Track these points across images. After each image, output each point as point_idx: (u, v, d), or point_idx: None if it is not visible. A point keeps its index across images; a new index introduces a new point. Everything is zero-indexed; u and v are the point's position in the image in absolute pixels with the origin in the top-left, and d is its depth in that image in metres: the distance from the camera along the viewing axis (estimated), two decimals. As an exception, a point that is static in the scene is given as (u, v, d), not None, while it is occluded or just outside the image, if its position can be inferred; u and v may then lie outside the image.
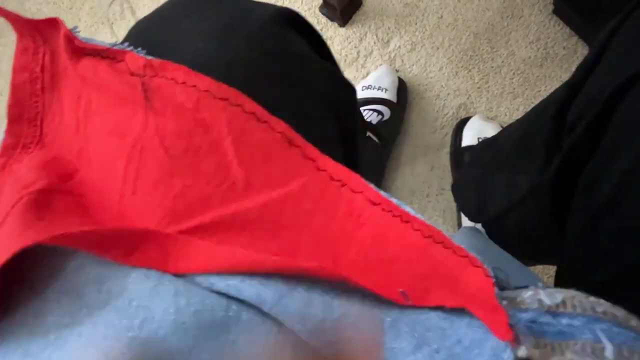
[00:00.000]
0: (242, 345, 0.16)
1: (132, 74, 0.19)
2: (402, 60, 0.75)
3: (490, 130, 0.67)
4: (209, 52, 0.21)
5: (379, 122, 0.69)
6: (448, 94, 0.72)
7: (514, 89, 0.70)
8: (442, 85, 0.73)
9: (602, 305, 0.14)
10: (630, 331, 0.13)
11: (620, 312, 0.13)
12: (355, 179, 0.18)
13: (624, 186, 0.21)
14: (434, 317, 0.16)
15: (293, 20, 0.26)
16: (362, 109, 0.70)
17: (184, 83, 0.18)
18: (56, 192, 0.19)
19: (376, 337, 0.16)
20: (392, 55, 0.75)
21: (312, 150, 0.19)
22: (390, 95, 0.71)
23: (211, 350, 0.16)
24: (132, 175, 0.18)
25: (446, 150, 0.71)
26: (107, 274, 0.17)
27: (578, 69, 0.27)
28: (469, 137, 0.68)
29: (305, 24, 0.27)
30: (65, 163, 0.20)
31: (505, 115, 0.70)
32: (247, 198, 0.18)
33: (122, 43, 0.21)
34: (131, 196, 0.18)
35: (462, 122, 0.70)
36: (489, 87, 0.71)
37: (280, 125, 0.18)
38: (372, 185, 0.18)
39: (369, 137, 0.67)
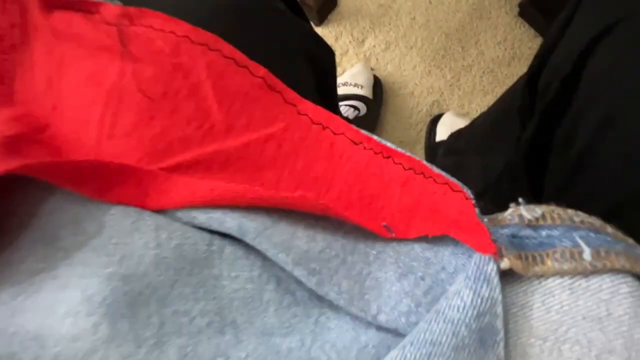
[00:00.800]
0: (225, 280, 0.16)
1: (108, 24, 0.19)
2: (377, 59, 0.76)
3: (462, 126, 0.70)
4: (191, 2, 0.21)
5: (356, 117, 0.70)
6: (422, 91, 0.74)
7: (484, 86, 0.73)
8: (415, 83, 0.74)
9: (579, 215, 0.14)
10: (606, 235, 0.14)
11: (597, 221, 0.14)
12: (336, 121, 0.18)
13: (600, 135, 0.22)
14: (417, 248, 0.16)
15: None
16: (339, 104, 0.71)
17: (161, 30, 0.18)
18: (27, 140, 0.18)
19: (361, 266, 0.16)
20: (367, 54, 0.77)
21: (293, 95, 0.19)
22: (366, 91, 0.72)
23: (194, 284, 0.15)
24: (109, 120, 0.18)
25: (421, 146, 0.72)
26: (83, 215, 0.16)
27: (546, 38, 0.29)
28: (443, 133, 0.70)
29: None
30: (36, 118, 0.20)
31: (476, 111, 0.72)
32: (228, 139, 0.18)
33: None
34: (107, 140, 0.18)
35: (436, 119, 0.72)
36: (460, 84, 0.73)
37: (260, 70, 0.18)
38: (352, 126, 0.18)
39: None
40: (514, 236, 0.14)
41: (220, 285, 0.16)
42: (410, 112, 0.74)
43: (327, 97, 0.27)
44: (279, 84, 0.19)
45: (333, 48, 0.77)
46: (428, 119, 0.72)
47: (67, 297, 0.15)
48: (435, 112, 0.73)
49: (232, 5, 0.23)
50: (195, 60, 0.18)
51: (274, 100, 0.18)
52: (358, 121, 0.70)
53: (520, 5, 0.73)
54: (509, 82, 0.73)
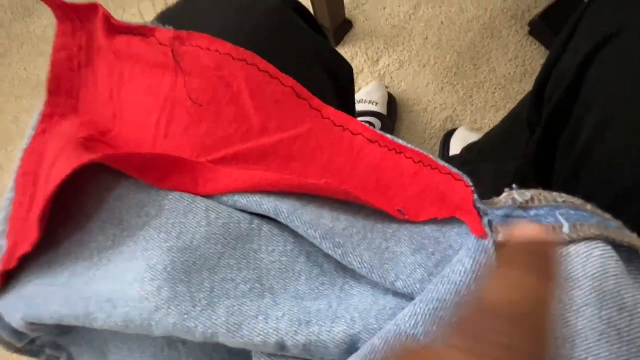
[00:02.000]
0: (263, 254, 0.18)
1: (162, 45, 0.22)
2: (392, 77, 0.79)
3: (475, 140, 0.71)
4: (233, 25, 0.24)
5: (371, 132, 0.73)
6: (435, 107, 0.76)
7: (497, 102, 0.75)
8: (429, 100, 0.77)
9: (562, 197, 0.17)
10: (584, 212, 0.16)
11: (577, 201, 0.16)
12: (355, 123, 0.21)
13: (597, 135, 0.24)
14: (428, 229, 0.18)
15: (297, 6, 0.30)
16: (354, 120, 0.74)
17: (207, 49, 0.21)
18: (95, 140, 0.21)
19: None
20: (382, 72, 0.80)
21: (317, 102, 0.21)
22: (380, 108, 0.75)
23: (237, 257, 0.18)
24: (164, 123, 0.21)
25: (435, 160, 0.74)
26: (146, 201, 0.19)
27: (550, 53, 0.31)
28: (456, 147, 0.72)
29: (306, 12, 0.31)
30: (99, 124, 0.23)
31: (489, 126, 0.74)
32: (263, 138, 0.20)
33: (154, 21, 0.24)
34: (164, 139, 0.21)
35: (449, 134, 0.74)
36: (473, 101, 0.75)
37: (289, 80, 0.21)
38: (368, 126, 0.21)
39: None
40: (507, 216, 0.16)
41: (259, 258, 0.18)
42: (424, 128, 0.76)
43: (347, 106, 0.30)
44: (306, 93, 0.21)
45: (349, 67, 0.81)
46: (442, 134, 0.74)
47: (133, 267, 0.17)
48: (449, 127, 0.75)
49: (264, 26, 0.26)
50: (235, 73, 0.21)
51: (301, 106, 0.21)
52: (373, 136, 0.73)
53: (531, 25, 0.76)
54: (521, 98, 0.74)
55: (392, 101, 0.76)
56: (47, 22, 0.96)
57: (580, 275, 0.15)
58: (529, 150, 0.32)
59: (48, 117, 0.23)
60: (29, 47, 0.95)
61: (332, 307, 0.17)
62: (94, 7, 0.24)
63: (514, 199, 0.17)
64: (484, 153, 0.48)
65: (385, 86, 0.79)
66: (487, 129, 0.74)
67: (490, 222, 0.16)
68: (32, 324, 0.18)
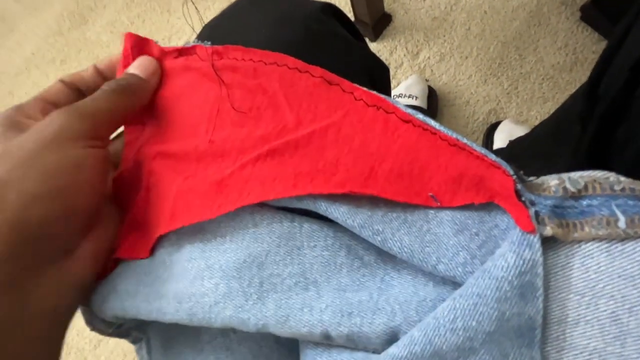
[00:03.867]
0: (306, 249, 0.19)
1: (202, 60, 0.24)
2: (432, 70, 0.78)
3: (521, 134, 0.68)
4: (271, 36, 0.25)
5: (410, 127, 0.72)
6: (477, 100, 0.74)
7: (544, 93, 0.71)
8: (471, 93, 0.75)
9: (621, 183, 0.15)
10: None
11: (638, 186, 0.15)
12: (387, 102, 0.20)
13: None
14: (471, 207, 0.18)
15: (336, 12, 0.31)
16: (393, 115, 0.73)
17: (242, 59, 0.22)
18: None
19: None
20: (422, 66, 0.78)
21: (349, 85, 0.21)
22: (420, 102, 0.74)
23: (282, 254, 0.19)
24: (211, 131, 0.22)
25: (477, 154, 0.72)
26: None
27: (607, 46, 0.29)
28: (500, 140, 0.70)
29: (345, 17, 0.32)
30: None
31: (536, 118, 0.71)
32: (297, 132, 0.21)
33: (194, 40, 0.25)
34: (208, 144, 0.22)
35: (493, 127, 0.71)
36: (518, 92, 0.73)
37: (318, 70, 0.22)
38: (400, 106, 0.20)
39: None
40: (556, 206, 0.15)
41: (302, 253, 0.19)
42: (466, 121, 0.74)
43: None
44: (336, 78, 0.22)
45: (388, 62, 0.80)
46: (485, 128, 0.72)
47: (193, 267, 0.20)
48: (492, 120, 0.73)
49: (304, 36, 0.27)
50: (270, 77, 0.22)
51: (334, 92, 0.21)
52: (413, 131, 0.72)
53: (582, 10, 0.72)
54: (571, 88, 0.71)
55: (432, 95, 0.75)
56: (100, 29, 1.02)
57: (637, 274, 0.14)
58: (581, 147, 0.31)
59: (134, 141, 0.25)
60: (85, 53, 1.02)
61: (373, 298, 0.17)
62: (147, 41, 0.26)
63: (565, 188, 0.16)
64: (532, 149, 0.46)
65: (426, 79, 0.77)
66: (533, 122, 0.71)
67: (537, 213, 0.15)
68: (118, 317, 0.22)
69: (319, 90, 0.22)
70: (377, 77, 0.31)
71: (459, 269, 0.16)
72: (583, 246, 0.15)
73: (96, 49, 1.01)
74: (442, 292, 0.17)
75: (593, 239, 0.15)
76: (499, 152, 0.68)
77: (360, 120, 0.20)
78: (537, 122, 0.71)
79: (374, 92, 0.20)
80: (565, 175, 0.16)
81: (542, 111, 0.71)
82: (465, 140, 0.18)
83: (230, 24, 0.29)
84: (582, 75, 0.70)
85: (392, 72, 0.80)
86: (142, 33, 1.00)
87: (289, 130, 0.21)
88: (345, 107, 0.21)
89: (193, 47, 0.24)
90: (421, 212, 0.18)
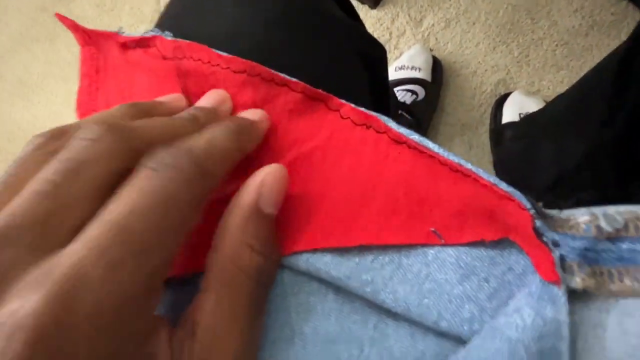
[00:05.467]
0: (289, 296, 0.16)
1: (164, 58, 0.20)
2: (436, 39, 0.73)
3: (532, 105, 0.64)
4: (247, 16, 0.21)
5: (413, 102, 0.68)
6: (486, 70, 0.70)
7: (557, 61, 0.67)
8: (479, 62, 0.70)
9: None
10: None
11: None
12: (378, 121, 0.17)
13: None
14: (480, 246, 0.15)
15: None
16: (395, 89, 0.69)
17: (209, 62, 0.19)
18: None
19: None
20: (426, 34, 0.73)
21: (335, 101, 0.18)
22: (424, 74, 0.69)
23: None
24: None
25: (485, 129, 0.68)
26: None
27: None
28: (510, 114, 0.66)
29: None
30: None
31: (548, 89, 0.67)
32: (277, 159, 0.18)
33: (154, 28, 0.22)
34: None
35: (502, 99, 0.67)
36: (529, 60, 0.68)
37: (299, 85, 0.18)
38: (393, 125, 0.17)
39: (402, 115, 0.65)
40: (588, 250, 0.13)
41: (286, 301, 0.16)
42: (473, 93, 0.70)
43: (378, 91, 0.26)
44: (320, 94, 0.18)
45: (389, 30, 0.75)
46: (493, 100, 0.68)
47: None
48: (501, 91, 0.68)
49: (290, 10, 0.23)
50: (239, 91, 0.19)
51: (317, 109, 0.18)
52: (416, 106, 0.68)
53: (601, -33, 0.65)
54: (587, 55, 0.66)
55: (437, 65, 0.70)
56: (85, 3, 0.97)
57: None
58: (608, 132, 0.27)
59: None
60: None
61: (364, 352, 0.15)
62: (109, 34, 0.23)
63: (599, 227, 0.12)
64: (547, 129, 0.42)
65: (430, 49, 0.72)
66: (545, 92, 0.67)
67: (562, 258, 0.12)
68: None
69: (300, 107, 0.18)
70: (372, 62, 0.28)
71: (465, 327, 0.14)
72: (622, 302, 0.12)
73: (83, 24, 0.96)
74: (444, 346, 0.14)
75: (635, 295, 0.12)
76: (509, 126, 0.64)
77: (348, 142, 0.17)
78: (549, 93, 0.67)
79: (363, 110, 0.17)
80: (598, 210, 0.13)
81: (554, 80, 0.66)
82: (469, 166, 0.15)
83: (194, 3, 0.24)
84: (598, 40, 0.65)
85: (393, 42, 0.75)
86: (128, 6, 0.95)
87: (263, 158, 0.18)
88: (331, 126, 0.18)
89: (153, 38, 0.21)
90: (419, 253, 0.15)
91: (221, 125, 0.16)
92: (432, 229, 0.15)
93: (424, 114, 0.68)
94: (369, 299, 0.15)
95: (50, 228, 0.11)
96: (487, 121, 0.68)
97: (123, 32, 0.23)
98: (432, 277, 0.15)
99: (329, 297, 0.16)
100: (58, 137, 0.14)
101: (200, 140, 0.14)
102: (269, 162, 0.17)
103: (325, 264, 0.15)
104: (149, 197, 0.12)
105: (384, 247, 0.16)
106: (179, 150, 0.13)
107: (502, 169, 0.57)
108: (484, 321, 0.13)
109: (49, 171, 0.12)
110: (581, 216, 0.13)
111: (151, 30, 0.22)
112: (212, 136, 0.15)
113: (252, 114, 0.18)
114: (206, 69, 0.19)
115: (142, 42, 0.21)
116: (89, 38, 0.22)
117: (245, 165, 0.17)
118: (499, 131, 0.65)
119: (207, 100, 0.18)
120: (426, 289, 0.14)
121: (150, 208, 0.12)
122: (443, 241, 0.15)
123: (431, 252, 0.15)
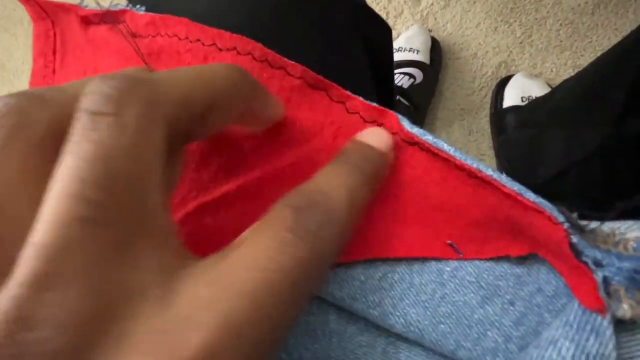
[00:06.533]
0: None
1: (134, 36, 0.17)
2: (435, 19, 0.69)
3: (535, 89, 0.62)
4: None
5: (411, 85, 0.65)
6: (486, 51, 0.67)
7: (561, 41, 0.64)
8: (479, 43, 0.67)
9: None
10: None
11: None
12: (390, 119, 0.15)
13: None
14: (504, 263, 0.13)
15: None
16: (392, 72, 0.66)
17: (187, 38, 0.16)
18: None
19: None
20: (424, 13, 0.70)
21: (339, 92, 0.15)
22: (422, 56, 0.66)
23: None
24: None
25: (485, 113, 0.66)
26: None
27: None
28: (512, 97, 0.63)
29: None
30: None
31: (552, 71, 0.64)
32: (272, 161, 0.15)
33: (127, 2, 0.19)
34: None
35: (503, 82, 0.65)
36: (532, 41, 0.65)
37: (298, 69, 0.15)
38: (405, 124, 0.15)
39: (400, 100, 0.63)
40: (637, 272, 0.10)
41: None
42: (473, 76, 0.67)
43: (382, 78, 0.24)
44: (322, 81, 0.15)
45: (387, 10, 0.71)
46: (494, 83, 0.65)
47: None
48: (503, 74, 0.66)
49: None
50: None
51: (319, 100, 0.15)
52: (414, 90, 0.65)
53: (609, -59, 0.62)
54: (592, 34, 0.63)
55: (435, 47, 0.67)
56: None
57: None
58: (632, 124, 0.24)
59: None
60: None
61: None
62: (65, 6, 0.20)
63: None
64: (556, 115, 0.39)
65: (428, 30, 0.69)
66: (548, 74, 0.64)
67: (607, 280, 0.10)
68: None
69: (298, 96, 0.15)
70: (373, 42, 0.25)
71: (487, 358, 0.11)
72: None
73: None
74: None
75: None
76: (511, 111, 0.62)
77: None
78: (552, 75, 0.64)
79: (374, 104, 0.15)
80: None
81: (558, 62, 0.64)
82: (490, 172, 0.12)
83: None
84: (605, 19, 0.62)
85: (391, 22, 0.72)
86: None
87: (254, 162, 0.15)
88: (335, 122, 0.15)
89: (122, 12, 0.18)
90: (433, 270, 0.13)
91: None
92: (449, 242, 0.13)
93: (422, 99, 0.66)
94: (377, 323, 0.13)
95: None
96: (488, 105, 0.66)
97: (86, 6, 0.20)
98: (449, 298, 0.12)
99: (331, 317, 0.14)
100: None
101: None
102: (264, 164, 0.14)
103: (328, 282, 0.13)
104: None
105: (393, 263, 0.13)
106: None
107: (505, 156, 0.55)
108: (509, 352, 0.11)
109: None
110: (631, 231, 0.11)
111: (119, 4, 0.19)
112: None
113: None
114: (182, 46, 0.16)
115: (107, 17, 0.18)
116: (42, 11, 0.20)
117: (237, 167, 0.15)
118: (500, 115, 0.63)
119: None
120: (442, 313, 0.12)
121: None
122: (461, 255, 0.12)
123: (447, 269, 0.13)
